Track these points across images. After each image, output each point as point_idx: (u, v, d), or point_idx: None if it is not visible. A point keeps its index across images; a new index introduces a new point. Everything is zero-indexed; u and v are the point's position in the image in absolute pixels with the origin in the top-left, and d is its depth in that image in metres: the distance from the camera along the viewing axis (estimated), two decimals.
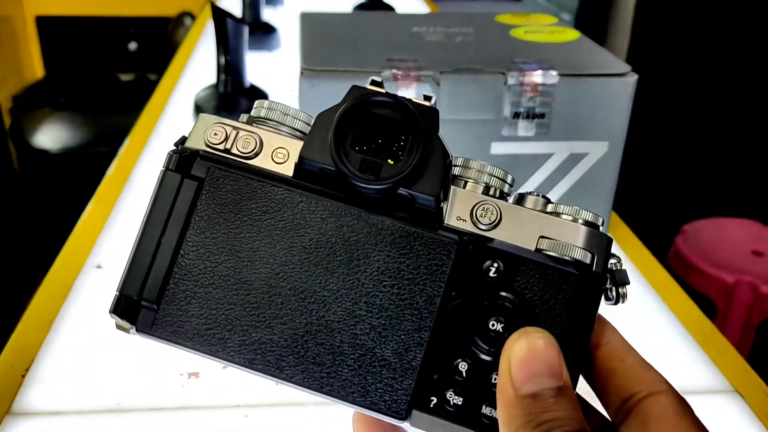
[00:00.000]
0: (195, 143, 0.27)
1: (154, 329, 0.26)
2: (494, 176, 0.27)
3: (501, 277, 0.25)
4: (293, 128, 0.27)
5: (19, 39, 2.33)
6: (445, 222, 0.26)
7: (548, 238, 0.26)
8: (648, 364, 0.26)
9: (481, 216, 0.26)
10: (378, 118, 0.25)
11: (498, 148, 0.62)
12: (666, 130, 1.82)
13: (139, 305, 0.26)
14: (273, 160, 0.26)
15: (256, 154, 0.26)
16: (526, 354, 0.23)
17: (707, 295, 1.33)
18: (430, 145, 0.25)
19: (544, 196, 0.27)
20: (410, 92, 0.58)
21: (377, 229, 0.26)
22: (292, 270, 0.26)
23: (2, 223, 1.79)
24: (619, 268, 0.26)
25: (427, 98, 0.26)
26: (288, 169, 0.26)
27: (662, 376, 0.26)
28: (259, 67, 1.05)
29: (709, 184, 1.74)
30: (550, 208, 0.26)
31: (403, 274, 0.25)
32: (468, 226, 0.26)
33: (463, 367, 0.25)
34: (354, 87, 0.25)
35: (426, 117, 0.25)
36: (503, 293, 0.25)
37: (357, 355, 0.25)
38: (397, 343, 0.25)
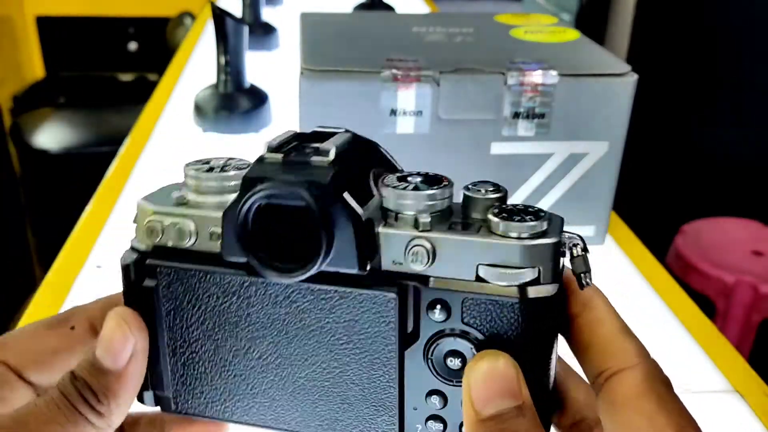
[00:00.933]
0: (141, 240, 0.28)
1: (174, 409, 0.30)
2: (424, 203, 0.25)
3: (447, 315, 0.25)
4: (221, 202, 0.27)
5: (19, 39, 2.33)
6: (383, 268, 0.25)
7: (487, 265, 0.25)
8: (621, 333, 0.25)
9: (413, 261, 0.25)
10: (277, 206, 0.25)
11: (498, 148, 0.62)
12: (666, 130, 1.82)
13: (160, 398, 0.30)
14: (210, 242, 0.27)
15: (195, 240, 0.27)
16: (484, 377, 0.24)
17: (707, 295, 1.33)
18: (332, 221, 0.24)
19: (495, 188, 0.26)
20: (410, 92, 0.58)
21: (319, 296, 0.26)
22: (260, 344, 0.28)
23: (2, 223, 1.79)
24: (578, 253, 0.25)
25: (324, 153, 0.25)
26: None
27: (636, 347, 0.25)
28: (259, 67, 1.05)
29: (710, 184, 1.74)
30: (494, 227, 0.25)
31: (357, 331, 0.26)
32: (405, 268, 0.25)
33: (436, 396, 0.27)
34: (244, 179, 0.25)
35: (320, 190, 0.24)
36: (453, 332, 0.26)
37: (339, 407, 0.28)
38: (372, 390, 0.27)
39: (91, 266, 0.63)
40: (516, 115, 0.60)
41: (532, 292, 0.25)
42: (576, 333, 0.26)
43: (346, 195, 0.24)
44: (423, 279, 0.25)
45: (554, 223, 0.25)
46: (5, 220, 1.81)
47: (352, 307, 0.26)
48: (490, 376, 0.24)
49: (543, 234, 0.25)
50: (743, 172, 1.70)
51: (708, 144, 1.77)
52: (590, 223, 0.66)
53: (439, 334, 0.26)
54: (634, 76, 0.60)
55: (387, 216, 0.26)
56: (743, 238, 1.42)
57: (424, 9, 1.53)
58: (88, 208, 0.72)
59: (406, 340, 0.26)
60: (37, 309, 0.58)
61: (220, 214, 0.26)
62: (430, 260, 0.25)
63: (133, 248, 0.28)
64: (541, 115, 0.60)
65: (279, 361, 0.28)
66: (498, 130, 0.61)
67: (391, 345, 0.26)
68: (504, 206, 0.25)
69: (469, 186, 0.26)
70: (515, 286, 0.25)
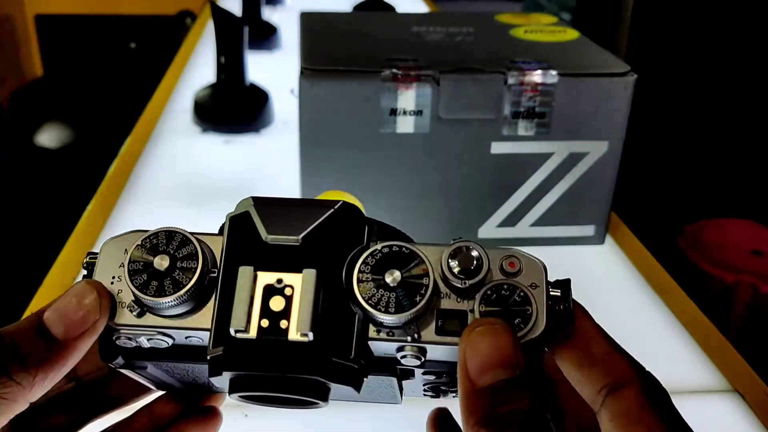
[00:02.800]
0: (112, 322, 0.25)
1: None
2: (408, 318, 0.24)
3: (441, 377, 0.26)
4: (184, 310, 0.25)
5: (19, 38, 2.33)
6: (376, 355, 0.25)
7: None
8: (615, 350, 0.25)
9: (406, 363, 0.25)
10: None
11: (498, 148, 0.61)
12: (666, 130, 1.82)
13: None
14: (187, 341, 0.25)
15: (173, 343, 0.25)
16: (480, 345, 0.23)
17: (707, 295, 1.33)
18: (327, 393, 0.25)
19: (475, 261, 0.24)
20: (410, 92, 0.58)
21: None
22: None
23: (2, 223, 1.79)
24: (562, 308, 0.25)
25: (304, 335, 0.23)
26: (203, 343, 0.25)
27: (629, 363, 0.25)
28: (259, 67, 1.05)
29: (709, 184, 1.74)
30: (477, 310, 0.24)
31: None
32: (397, 361, 0.25)
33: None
34: (220, 369, 0.24)
35: (309, 385, 0.24)
36: (448, 382, 0.27)
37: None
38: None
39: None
40: (516, 115, 0.60)
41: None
42: (568, 354, 0.26)
43: (335, 360, 0.24)
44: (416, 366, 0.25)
45: (539, 301, 0.24)
46: (5, 219, 1.80)
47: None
48: (488, 344, 0.23)
49: (531, 327, 0.24)
50: (743, 172, 1.70)
51: (708, 144, 1.77)
52: (590, 223, 0.66)
53: (434, 381, 0.27)
54: (634, 76, 0.60)
55: (373, 323, 0.24)
56: (743, 238, 1.42)
57: (424, 9, 1.53)
58: (88, 208, 0.72)
59: (403, 379, 0.27)
60: (37, 309, 0.58)
61: (191, 326, 0.25)
62: (422, 359, 0.25)
63: (108, 341, 0.25)
64: (541, 115, 0.60)
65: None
66: (498, 130, 0.61)
67: (391, 390, 0.28)
68: (490, 296, 0.24)
69: (449, 262, 0.24)
70: None
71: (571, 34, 0.70)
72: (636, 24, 1.89)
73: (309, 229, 0.24)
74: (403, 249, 0.24)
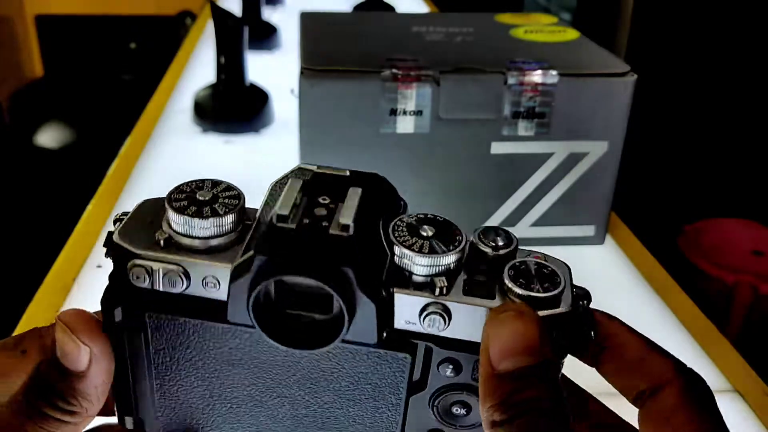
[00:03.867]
0: (122, 277, 0.25)
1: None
2: (441, 267, 0.24)
3: (457, 374, 0.25)
4: (210, 245, 0.24)
5: (19, 38, 2.33)
6: (396, 326, 0.24)
7: None
8: (653, 351, 0.25)
9: (428, 325, 0.24)
10: (293, 285, 0.23)
11: (498, 148, 0.61)
12: (666, 130, 1.82)
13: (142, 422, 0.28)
14: (203, 288, 0.25)
15: (187, 287, 0.25)
16: (505, 330, 0.22)
17: (707, 295, 1.33)
18: (354, 305, 0.23)
19: (505, 243, 0.25)
20: (410, 92, 0.58)
21: (330, 351, 0.25)
22: (257, 385, 0.26)
23: (2, 223, 1.79)
24: (584, 308, 0.25)
25: (343, 228, 0.23)
26: (221, 294, 0.25)
27: (666, 362, 0.25)
28: (259, 67, 1.05)
29: (709, 184, 1.74)
30: (507, 281, 0.24)
31: (362, 384, 0.26)
32: (418, 329, 0.24)
33: None
34: (258, 256, 0.23)
35: (342, 279, 0.22)
36: (463, 385, 0.25)
37: None
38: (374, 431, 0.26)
39: (91, 266, 0.63)
40: (516, 115, 0.60)
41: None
42: (606, 362, 0.26)
43: (367, 276, 0.23)
44: (436, 340, 0.25)
45: (565, 281, 0.24)
46: (5, 219, 1.81)
47: (362, 363, 0.25)
48: (512, 330, 0.22)
49: (557, 302, 0.24)
50: (743, 172, 1.70)
51: (708, 144, 1.77)
52: (590, 222, 0.66)
53: (448, 388, 0.25)
54: (634, 76, 0.60)
55: (401, 275, 0.24)
56: (743, 238, 1.42)
57: (424, 9, 1.53)
58: (88, 208, 0.72)
59: (413, 388, 0.26)
60: (37, 309, 0.58)
61: (214, 262, 0.24)
62: (446, 325, 0.24)
63: (113, 289, 0.25)
64: (541, 115, 0.60)
65: (275, 401, 0.26)
66: (498, 130, 0.61)
67: (398, 395, 0.26)
68: (519, 266, 0.24)
69: (480, 235, 0.25)
70: None
71: (571, 34, 0.70)
72: (636, 24, 1.89)
73: (356, 170, 0.25)
74: (438, 217, 0.25)
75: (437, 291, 0.24)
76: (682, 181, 1.79)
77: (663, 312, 0.60)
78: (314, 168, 0.26)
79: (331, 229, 0.23)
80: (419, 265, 0.24)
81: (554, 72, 0.59)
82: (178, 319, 0.25)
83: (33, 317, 0.57)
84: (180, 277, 0.24)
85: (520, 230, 0.64)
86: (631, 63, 0.61)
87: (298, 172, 0.26)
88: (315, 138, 0.59)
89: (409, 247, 0.24)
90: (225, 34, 0.87)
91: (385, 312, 0.24)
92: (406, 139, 0.60)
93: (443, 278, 0.24)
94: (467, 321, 0.24)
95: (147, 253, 0.24)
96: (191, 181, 0.25)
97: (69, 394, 0.25)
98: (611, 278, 0.64)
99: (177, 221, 0.24)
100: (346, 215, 0.23)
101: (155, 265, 0.24)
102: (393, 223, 0.24)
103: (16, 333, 0.56)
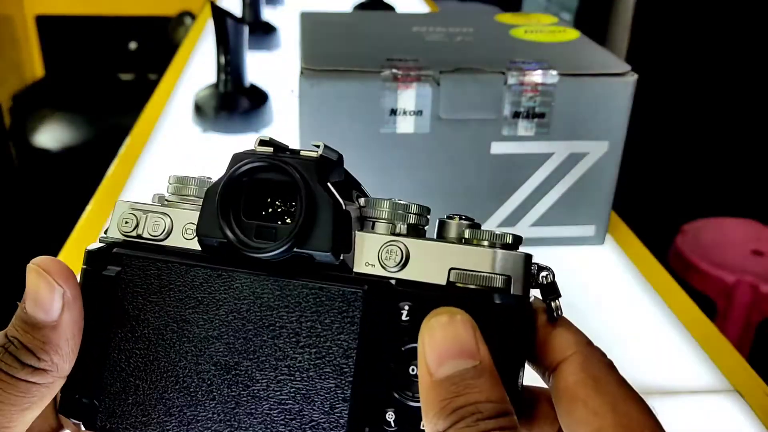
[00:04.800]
0: (112, 232, 0.28)
1: (100, 423, 0.27)
2: (402, 213, 0.26)
3: (414, 319, 0.24)
4: (199, 205, 0.27)
5: (19, 39, 2.33)
6: (355, 270, 0.25)
7: (459, 269, 0.25)
8: (561, 327, 0.25)
9: (386, 259, 0.25)
10: (263, 182, 0.25)
11: (498, 148, 0.62)
12: (666, 130, 1.82)
13: (82, 404, 0.27)
14: (184, 237, 0.27)
15: (168, 234, 0.27)
16: (438, 335, 0.22)
17: (707, 295, 1.33)
18: (315, 200, 0.24)
19: (468, 218, 0.26)
20: (410, 92, 0.58)
21: (285, 291, 0.25)
22: (213, 345, 0.26)
23: (2, 223, 1.79)
24: (549, 280, 0.25)
25: (316, 146, 0.25)
26: (198, 244, 0.27)
27: (574, 338, 0.25)
28: (259, 67, 1.05)
29: (709, 184, 1.74)
30: (468, 234, 0.25)
31: (317, 332, 0.25)
32: (377, 270, 0.25)
33: (390, 416, 0.25)
34: (234, 155, 0.25)
35: (308, 170, 0.25)
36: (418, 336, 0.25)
37: (286, 420, 0.25)
38: (323, 403, 0.25)
39: None
40: (516, 115, 0.60)
41: (502, 298, 0.24)
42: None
43: (329, 184, 0.25)
44: (393, 282, 0.25)
45: (523, 251, 0.26)
46: (5, 219, 1.81)
47: (317, 303, 0.25)
48: (445, 334, 0.22)
49: (515, 246, 0.25)
50: (743, 172, 1.70)
51: (708, 143, 1.77)
52: (590, 222, 0.66)
53: (404, 341, 0.25)
54: (634, 76, 0.60)
55: (364, 224, 0.26)
56: (743, 238, 1.42)
57: (424, 9, 1.53)
58: (88, 208, 0.72)
59: (368, 346, 0.25)
60: None
61: (197, 213, 0.26)
62: (403, 261, 0.25)
63: (101, 240, 0.28)
64: (541, 115, 0.60)
65: (228, 369, 0.26)
66: (498, 130, 0.61)
67: (351, 350, 0.25)
68: (478, 226, 0.26)
69: (444, 216, 0.27)
70: (486, 290, 0.24)
71: (571, 34, 0.70)
72: (636, 24, 1.89)
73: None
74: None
75: (397, 231, 0.26)
76: (682, 181, 1.79)
77: (663, 312, 0.60)
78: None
79: (303, 151, 0.26)
80: (382, 208, 0.26)
81: (554, 72, 0.59)
82: (152, 261, 0.27)
83: None
84: (163, 222, 0.27)
85: (520, 230, 0.64)
86: (631, 63, 0.61)
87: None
88: (315, 138, 0.59)
89: (374, 198, 0.26)
90: (225, 34, 0.87)
91: (343, 229, 0.25)
92: (406, 139, 0.60)
93: (404, 224, 0.26)
94: (425, 261, 0.25)
95: (140, 205, 0.28)
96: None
97: (39, 348, 0.25)
98: (611, 278, 0.64)
99: (173, 179, 0.28)
100: (319, 143, 0.26)
101: (144, 213, 0.28)
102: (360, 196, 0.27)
103: None
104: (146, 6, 2.36)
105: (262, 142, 0.26)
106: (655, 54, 1.83)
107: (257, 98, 0.92)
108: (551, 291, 0.26)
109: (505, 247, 0.25)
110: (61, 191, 1.69)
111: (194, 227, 0.26)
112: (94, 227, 0.69)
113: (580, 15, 2.12)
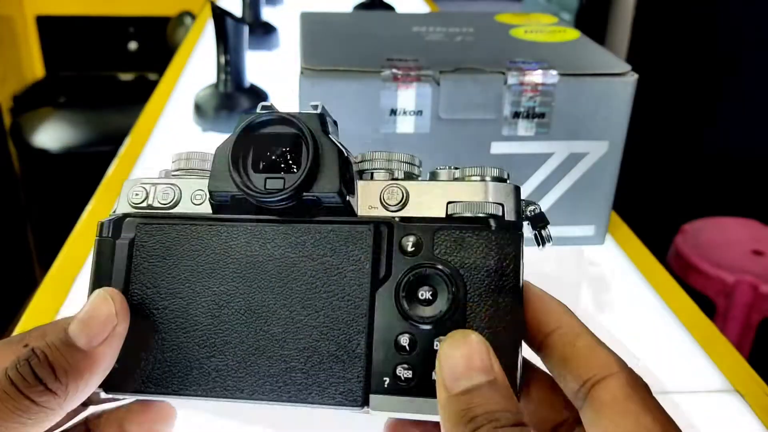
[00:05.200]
0: (122, 208, 0.29)
1: (120, 387, 0.28)
2: (398, 161, 0.28)
3: (419, 249, 0.27)
4: (206, 169, 0.29)
5: (19, 39, 2.33)
6: (358, 213, 0.27)
7: (456, 201, 0.27)
8: (599, 345, 0.26)
9: (388, 199, 0.27)
10: (269, 136, 0.27)
11: (498, 148, 0.62)
12: (666, 130, 1.82)
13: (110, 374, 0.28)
14: (192, 203, 0.29)
15: (177, 202, 0.29)
16: (455, 354, 0.24)
17: (707, 295, 1.33)
18: (319, 147, 0.26)
19: (455, 168, 0.29)
20: (410, 92, 0.58)
21: (296, 234, 0.27)
22: (230, 296, 0.27)
23: (2, 223, 1.79)
24: (536, 212, 0.28)
25: (314, 107, 0.27)
26: (207, 208, 0.28)
27: (614, 357, 0.26)
28: (259, 67, 1.05)
29: (709, 184, 1.74)
30: (458, 174, 0.28)
31: (330, 271, 0.27)
32: (379, 212, 0.27)
33: (405, 341, 0.26)
34: (241, 114, 0.27)
35: (311, 122, 0.27)
36: (425, 263, 0.26)
37: (305, 358, 0.27)
38: (339, 336, 0.27)
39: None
40: (516, 115, 0.60)
41: (497, 223, 0.27)
42: (552, 348, 0.26)
43: (332, 136, 0.27)
44: (396, 219, 0.27)
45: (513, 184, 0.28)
46: (5, 220, 1.81)
47: (326, 243, 0.27)
48: (461, 353, 0.24)
49: (505, 180, 0.28)
50: (743, 172, 1.70)
51: (708, 143, 1.77)
52: (590, 222, 0.66)
53: (411, 269, 0.27)
54: (634, 76, 0.60)
55: (363, 175, 0.28)
56: (743, 237, 1.42)
57: (424, 9, 1.53)
58: (88, 208, 0.72)
59: (378, 280, 0.27)
60: (37, 309, 0.58)
61: (204, 181, 0.28)
62: (404, 200, 0.27)
63: (111, 215, 0.30)
64: (541, 115, 0.60)
65: (246, 316, 0.27)
66: (498, 130, 0.61)
67: (363, 284, 0.27)
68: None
69: (435, 168, 0.29)
70: (482, 216, 0.27)
71: (571, 34, 0.70)
72: (637, 24, 1.89)
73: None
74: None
75: (395, 174, 0.28)
76: (682, 181, 1.79)
77: (663, 312, 0.60)
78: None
79: (304, 111, 0.27)
80: (380, 158, 0.28)
81: (554, 72, 0.59)
82: (164, 224, 0.28)
83: (33, 317, 0.57)
84: (173, 191, 0.29)
85: None
86: (631, 63, 0.61)
87: None
88: None
89: (372, 151, 0.28)
90: (225, 34, 0.87)
91: (347, 173, 0.27)
92: (406, 139, 0.60)
93: (400, 172, 0.28)
94: (423, 199, 0.27)
95: (148, 179, 0.29)
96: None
97: (61, 368, 0.25)
98: (611, 278, 0.64)
99: (179, 154, 0.30)
100: (317, 102, 0.27)
101: (152, 185, 0.29)
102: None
103: (15, 333, 0.56)
104: (146, 6, 2.36)
105: (264, 107, 0.27)
106: (655, 54, 1.83)
107: (257, 98, 0.92)
108: (539, 220, 0.29)
109: (495, 179, 0.28)
110: (61, 191, 1.69)
111: (203, 193, 0.28)
112: (95, 227, 0.69)
113: (580, 15, 2.11)
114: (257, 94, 0.92)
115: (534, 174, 0.63)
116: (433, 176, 0.29)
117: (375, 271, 0.27)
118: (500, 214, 0.27)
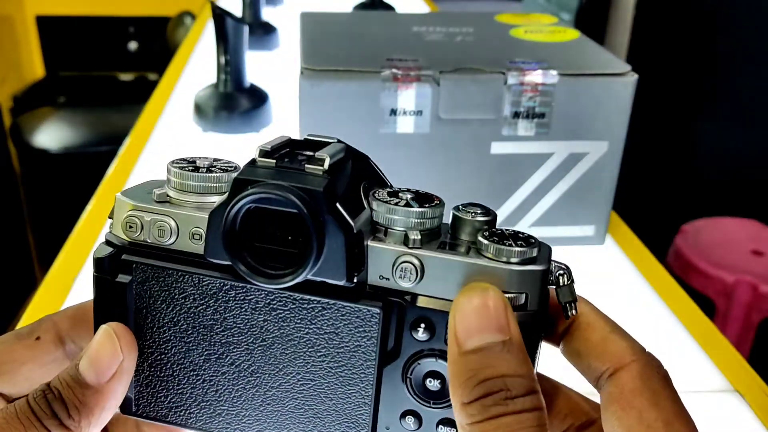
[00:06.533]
0: (117, 231, 0.27)
1: (134, 411, 0.29)
2: (414, 219, 0.25)
3: (431, 335, 0.25)
4: (203, 202, 0.26)
5: (19, 39, 2.33)
6: (369, 283, 0.25)
7: None
8: (615, 334, 0.25)
9: (401, 277, 0.25)
10: (267, 214, 0.24)
11: (498, 148, 0.62)
12: (666, 130, 1.82)
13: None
14: (191, 242, 0.26)
15: (175, 239, 0.26)
16: (470, 309, 0.23)
17: (707, 295, 1.33)
18: (324, 232, 0.23)
19: (482, 209, 0.26)
20: (410, 92, 0.58)
21: (300, 306, 0.26)
22: (234, 350, 0.27)
23: (2, 223, 1.79)
24: (565, 282, 0.25)
25: (318, 162, 0.24)
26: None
27: (631, 345, 0.25)
28: (259, 67, 1.05)
29: (710, 184, 1.74)
30: (484, 245, 0.24)
31: (335, 343, 0.26)
32: (391, 284, 0.25)
33: (410, 420, 0.26)
34: (235, 180, 0.24)
35: (314, 201, 0.23)
36: (435, 350, 0.25)
37: (311, 417, 0.27)
38: (345, 408, 0.26)
39: (91, 266, 0.63)
40: (516, 115, 0.60)
41: (519, 316, 0.24)
42: (570, 343, 0.26)
43: (338, 206, 0.24)
44: (409, 296, 0.25)
45: (543, 250, 0.25)
46: (5, 220, 1.81)
47: (334, 319, 0.25)
48: (477, 308, 0.22)
49: (532, 260, 0.24)
50: (743, 172, 1.70)
51: (708, 144, 1.77)
52: (590, 222, 0.66)
53: (421, 354, 0.25)
54: (634, 76, 0.60)
55: (376, 230, 0.25)
56: (743, 238, 1.42)
57: (424, 9, 1.53)
58: (88, 208, 0.72)
59: (386, 357, 0.25)
60: (37, 309, 0.58)
61: (202, 214, 0.25)
62: (418, 278, 0.24)
63: (108, 242, 0.27)
64: (541, 115, 0.60)
65: (252, 369, 0.27)
66: (498, 130, 0.61)
67: (370, 361, 0.25)
68: (494, 230, 0.25)
69: (459, 207, 0.26)
70: None
71: (571, 34, 0.70)
72: (636, 24, 1.89)
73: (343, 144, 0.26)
74: (420, 190, 0.26)
75: (411, 243, 0.24)
76: (682, 181, 1.79)
77: (663, 312, 0.60)
78: (305, 136, 0.27)
79: (308, 164, 0.24)
80: (394, 217, 0.25)
81: (554, 72, 0.59)
82: (164, 269, 0.26)
83: (33, 317, 0.57)
84: (169, 227, 0.26)
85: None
86: (631, 63, 0.61)
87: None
88: None
89: (386, 203, 0.25)
90: (225, 34, 0.87)
91: (356, 251, 0.24)
92: (406, 139, 0.60)
93: (417, 232, 0.24)
94: (440, 276, 0.24)
95: (141, 204, 0.26)
96: (193, 157, 0.28)
97: (73, 406, 0.25)
98: (611, 278, 0.64)
99: (173, 173, 0.26)
100: (323, 154, 0.24)
101: (147, 216, 0.26)
102: (375, 188, 0.26)
103: None
104: (146, 6, 2.36)
105: (263, 153, 0.24)
106: (655, 54, 1.83)
107: (257, 98, 0.92)
108: (568, 295, 0.25)
109: (525, 262, 0.24)
110: (61, 191, 1.69)
111: (201, 232, 0.26)
112: (95, 227, 0.69)
113: (580, 15, 2.11)
114: (257, 94, 0.92)
115: (534, 174, 0.63)
116: (456, 223, 0.26)
117: (383, 347, 0.25)
118: (522, 303, 0.24)
